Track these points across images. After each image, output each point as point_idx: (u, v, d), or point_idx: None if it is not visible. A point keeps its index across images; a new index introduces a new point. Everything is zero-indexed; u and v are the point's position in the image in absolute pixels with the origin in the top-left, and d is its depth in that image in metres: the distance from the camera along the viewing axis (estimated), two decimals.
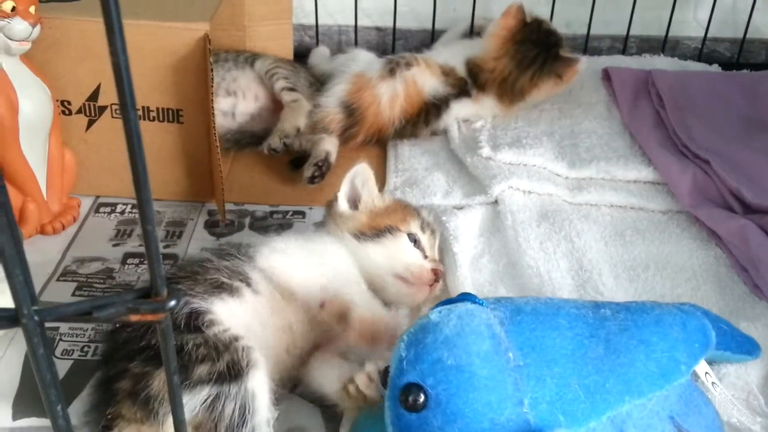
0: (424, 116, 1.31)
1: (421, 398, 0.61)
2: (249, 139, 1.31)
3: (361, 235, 0.92)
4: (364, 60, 1.36)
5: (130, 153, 0.39)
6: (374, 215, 0.95)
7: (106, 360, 0.76)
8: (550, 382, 0.63)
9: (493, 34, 1.34)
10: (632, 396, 0.65)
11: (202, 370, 0.71)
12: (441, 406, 0.60)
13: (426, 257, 0.95)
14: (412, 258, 0.93)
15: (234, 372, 0.71)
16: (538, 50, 1.33)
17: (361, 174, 0.96)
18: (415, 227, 0.95)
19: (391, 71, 1.30)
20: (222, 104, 1.30)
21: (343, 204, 0.96)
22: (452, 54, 1.37)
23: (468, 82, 1.35)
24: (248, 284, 0.82)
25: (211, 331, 0.74)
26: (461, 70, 1.35)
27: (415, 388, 0.61)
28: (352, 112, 1.29)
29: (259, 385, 0.73)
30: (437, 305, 0.70)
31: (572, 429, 0.63)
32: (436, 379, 0.61)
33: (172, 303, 0.44)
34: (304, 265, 0.85)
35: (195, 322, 0.75)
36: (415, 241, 0.94)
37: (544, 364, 0.64)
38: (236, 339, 0.75)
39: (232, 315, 0.78)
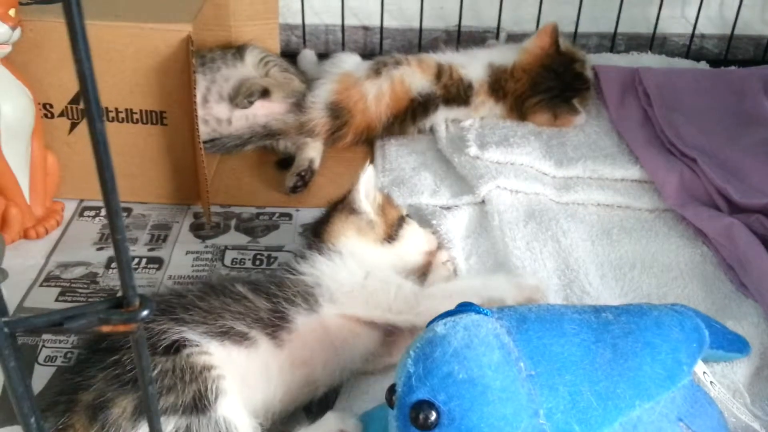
0: (411, 114, 1.31)
1: (433, 416, 0.58)
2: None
3: (388, 239, 0.91)
4: (350, 62, 1.35)
5: (98, 162, 0.38)
6: (383, 214, 0.93)
7: (76, 368, 0.75)
8: (563, 390, 0.62)
9: (528, 50, 1.34)
10: (642, 400, 0.64)
11: (166, 401, 0.68)
12: (455, 422, 0.58)
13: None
14: (421, 234, 0.97)
15: (201, 405, 0.68)
16: (555, 83, 1.33)
17: (372, 175, 0.94)
18: (402, 209, 0.98)
19: (377, 71, 1.29)
20: (215, 110, 1.27)
21: (369, 209, 0.91)
22: (469, 58, 1.35)
23: (473, 88, 1.32)
24: (274, 336, 0.77)
25: (186, 351, 0.71)
26: (474, 73, 1.32)
27: (426, 405, 0.58)
28: (339, 113, 1.28)
29: (230, 410, 0.70)
30: (439, 317, 0.67)
31: None
32: (448, 394, 0.58)
33: (145, 313, 0.43)
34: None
35: (176, 346, 0.72)
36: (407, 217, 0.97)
37: (556, 373, 0.62)
38: (209, 368, 0.71)
39: (228, 361, 0.74)
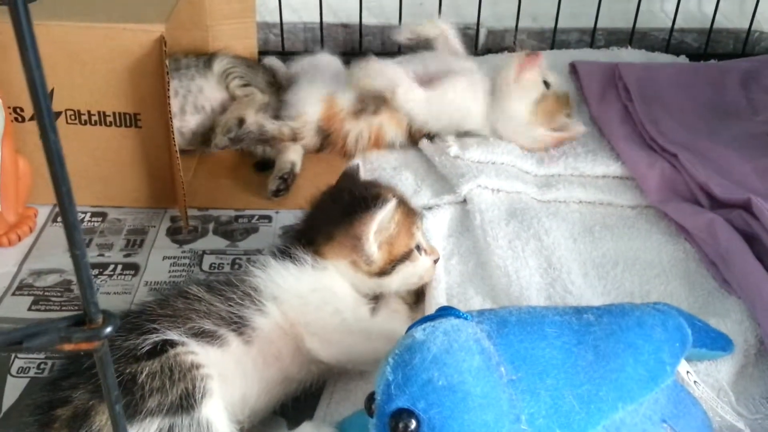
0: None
1: (413, 424, 0.57)
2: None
3: (381, 273, 0.87)
4: (327, 70, 1.32)
5: (53, 175, 0.37)
6: (390, 246, 0.88)
7: (54, 382, 0.73)
8: (545, 394, 0.61)
9: None
10: (625, 402, 0.64)
11: (152, 403, 0.68)
12: (435, 430, 0.57)
13: (425, 251, 0.92)
14: (424, 268, 0.92)
15: (187, 404, 0.68)
16: None
17: (391, 210, 0.86)
18: (418, 233, 0.91)
19: (357, 114, 1.26)
20: (191, 122, 1.24)
21: (375, 253, 0.86)
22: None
23: None
24: (240, 333, 0.77)
25: (173, 351, 0.71)
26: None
27: (405, 413, 0.57)
28: (324, 134, 1.27)
29: (213, 411, 0.70)
30: (419, 322, 0.65)
31: None
32: (428, 402, 0.57)
33: (108, 330, 0.41)
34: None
35: (159, 347, 0.71)
36: (418, 247, 0.91)
37: (537, 377, 0.62)
38: (197, 367, 0.71)
39: (207, 361, 0.73)
